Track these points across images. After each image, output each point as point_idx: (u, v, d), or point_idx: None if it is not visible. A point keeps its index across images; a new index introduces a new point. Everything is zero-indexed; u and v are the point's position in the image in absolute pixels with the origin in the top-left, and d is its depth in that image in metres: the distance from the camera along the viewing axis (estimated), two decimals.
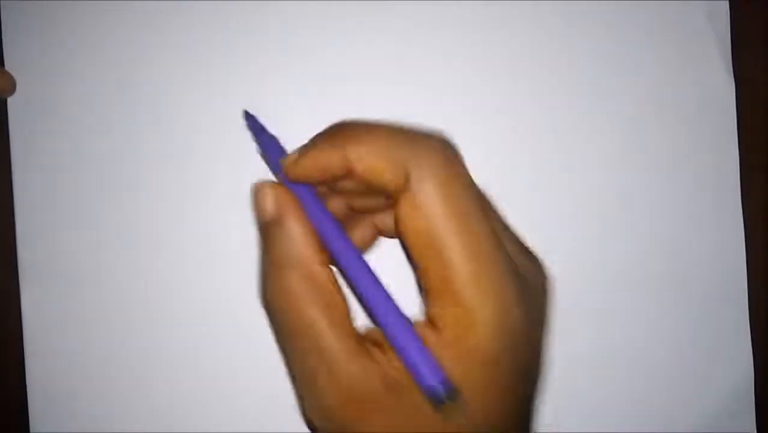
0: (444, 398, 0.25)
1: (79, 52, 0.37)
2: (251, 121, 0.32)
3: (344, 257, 0.28)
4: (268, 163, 0.31)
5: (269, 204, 0.28)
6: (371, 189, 0.28)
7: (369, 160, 0.27)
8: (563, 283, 0.37)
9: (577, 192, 0.37)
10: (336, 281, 0.28)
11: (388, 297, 0.27)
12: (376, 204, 0.30)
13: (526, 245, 0.29)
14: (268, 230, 0.28)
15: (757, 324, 0.37)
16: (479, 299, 0.26)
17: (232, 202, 0.36)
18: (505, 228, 0.29)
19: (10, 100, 0.36)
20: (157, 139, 0.36)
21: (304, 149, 0.28)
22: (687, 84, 0.37)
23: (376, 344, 0.27)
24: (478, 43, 0.37)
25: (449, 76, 0.37)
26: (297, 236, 0.28)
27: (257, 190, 0.29)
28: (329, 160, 0.27)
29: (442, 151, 0.27)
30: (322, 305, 0.27)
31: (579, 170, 0.37)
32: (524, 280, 0.28)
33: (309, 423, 0.28)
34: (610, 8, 0.37)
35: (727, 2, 0.37)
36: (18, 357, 0.36)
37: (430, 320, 0.27)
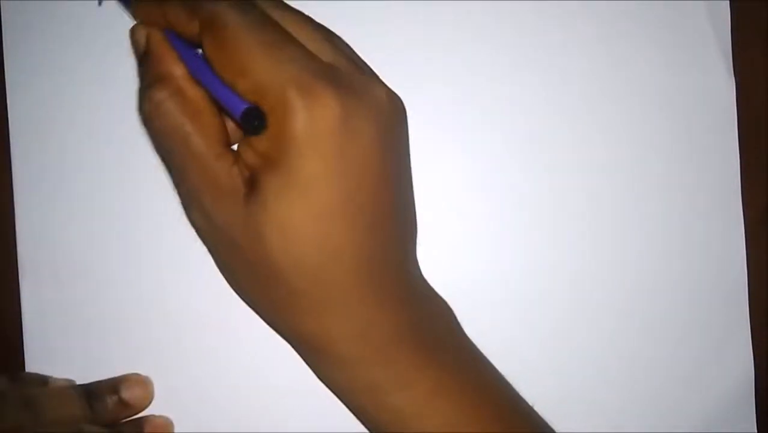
0: (255, 121, 0.29)
1: (80, 52, 0.37)
2: None
3: (191, 62, 0.31)
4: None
5: (142, 38, 0.32)
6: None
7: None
8: (562, 283, 0.37)
9: (575, 192, 0.37)
10: (206, 98, 0.31)
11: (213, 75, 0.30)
12: None
13: (361, 62, 0.32)
14: (142, 62, 0.32)
15: (757, 324, 0.37)
16: (286, 93, 0.28)
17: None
18: (328, 43, 0.31)
19: (10, 100, 0.37)
20: None
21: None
22: (687, 84, 0.37)
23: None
24: (476, 44, 0.37)
25: (448, 76, 0.37)
26: (165, 58, 0.31)
27: (132, 31, 0.32)
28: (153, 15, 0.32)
29: None
30: (190, 114, 0.30)
31: (578, 170, 0.37)
32: (348, 85, 0.29)
33: (192, 224, 0.33)
34: (609, 8, 0.37)
35: (728, 2, 0.37)
36: (18, 357, 0.36)
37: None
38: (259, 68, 0.29)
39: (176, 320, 0.36)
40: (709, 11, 0.37)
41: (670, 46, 0.37)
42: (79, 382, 0.36)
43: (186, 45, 0.31)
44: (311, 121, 0.28)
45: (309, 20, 0.31)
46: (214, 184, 0.30)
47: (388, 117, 0.30)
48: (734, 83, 0.37)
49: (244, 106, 0.29)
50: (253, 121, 0.29)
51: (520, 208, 0.37)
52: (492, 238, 0.37)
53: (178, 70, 0.31)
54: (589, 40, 0.37)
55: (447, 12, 0.37)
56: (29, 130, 0.37)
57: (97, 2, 0.36)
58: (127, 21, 0.36)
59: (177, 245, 0.36)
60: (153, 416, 0.36)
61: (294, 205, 0.29)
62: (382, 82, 0.31)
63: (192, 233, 0.36)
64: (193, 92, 0.30)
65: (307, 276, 0.30)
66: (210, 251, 0.33)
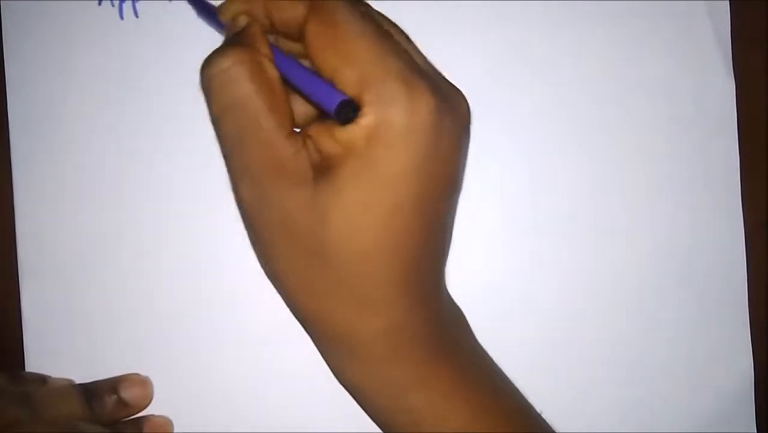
0: (349, 111, 0.29)
1: (79, 52, 0.37)
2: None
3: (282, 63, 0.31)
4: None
5: (243, 21, 0.31)
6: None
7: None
8: (563, 283, 0.37)
9: (575, 192, 0.37)
10: (282, 82, 0.30)
11: (306, 69, 0.30)
12: None
13: (440, 72, 0.32)
14: (231, 38, 0.31)
15: (757, 324, 0.37)
16: (391, 85, 0.29)
17: (234, 200, 0.36)
18: (416, 50, 0.32)
19: (10, 100, 0.37)
20: (157, 138, 0.37)
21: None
22: (687, 84, 0.37)
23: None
24: (476, 44, 0.37)
25: (448, 76, 0.37)
26: (258, 36, 0.31)
27: (232, 17, 0.32)
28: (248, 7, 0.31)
29: None
30: (265, 90, 0.30)
31: (578, 170, 0.37)
32: (441, 88, 0.30)
33: (237, 197, 0.32)
34: (610, 8, 0.37)
35: (728, 2, 0.37)
36: (18, 357, 0.36)
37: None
38: (365, 56, 0.29)
39: (176, 320, 0.36)
40: (709, 11, 0.37)
41: (670, 46, 0.37)
42: (79, 382, 0.36)
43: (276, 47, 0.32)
44: (410, 116, 0.28)
45: (396, 25, 0.32)
46: (279, 164, 0.30)
47: (466, 125, 0.31)
48: (734, 83, 0.37)
49: (341, 98, 0.29)
50: (348, 112, 0.29)
51: (520, 209, 0.37)
52: (493, 239, 0.37)
53: (265, 49, 0.30)
54: (589, 41, 0.37)
55: (446, 12, 0.37)
56: (29, 130, 0.37)
57: (96, 2, 0.36)
58: (126, 21, 0.36)
59: (178, 246, 0.36)
60: (152, 415, 0.36)
61: (369, 195, 0.29)
62: (461, 91, 0.32)
63: (192, 233, 0.36)
64: (273, 72, 0.30)
65: (359, 265, 0.30)
66: (251, 225, 0.32)
